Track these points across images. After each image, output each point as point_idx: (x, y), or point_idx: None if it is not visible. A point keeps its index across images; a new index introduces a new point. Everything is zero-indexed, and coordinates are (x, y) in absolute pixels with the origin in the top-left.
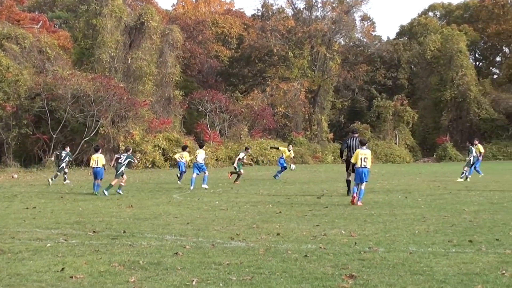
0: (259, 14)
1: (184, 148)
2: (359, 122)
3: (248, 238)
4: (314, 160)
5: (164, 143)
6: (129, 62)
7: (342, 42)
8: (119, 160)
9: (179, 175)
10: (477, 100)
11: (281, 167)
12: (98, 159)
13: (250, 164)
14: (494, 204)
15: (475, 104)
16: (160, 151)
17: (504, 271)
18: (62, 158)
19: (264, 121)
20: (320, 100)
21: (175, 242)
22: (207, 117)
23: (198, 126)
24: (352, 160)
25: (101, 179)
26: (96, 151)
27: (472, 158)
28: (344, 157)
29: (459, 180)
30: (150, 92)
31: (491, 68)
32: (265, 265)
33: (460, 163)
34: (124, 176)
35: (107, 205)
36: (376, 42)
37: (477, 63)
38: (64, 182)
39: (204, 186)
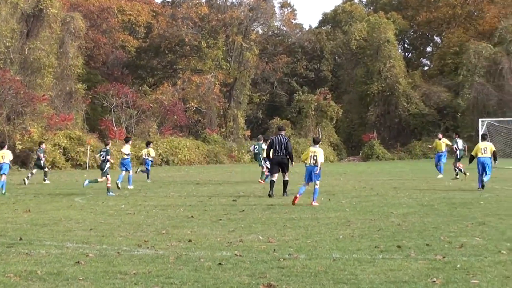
0: (170, 0)
1: (147, 144)
2: (278, 118)
3: (157, 245)
4: (229, 159)
5: (65, 141)
6: (26, 53)
7: (260, 31)
8: (101, 158)
9: (147, 173)
10: (406, 93)
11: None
12: (4, 155)
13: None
14: (424, 206)
15: (404, 98)
16: (60, 150)
17: (434, 279)
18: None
19: (175, 117)
20: (236, 94)
21: (76, 250)
22: (112, 113)
23: (102, 123)
24: (302, 158)
25: (5, 175)
26: (2, 147)
27: (458, 152)
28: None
29: (459, 178)
30: (50, 85)
31: (421, 59)
32: (176, 274)
33: (388, 162)
34: (109, 176)
35: (1, 209)
36: (297, 31)
37: (406, 53)
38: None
39: (130, 186)
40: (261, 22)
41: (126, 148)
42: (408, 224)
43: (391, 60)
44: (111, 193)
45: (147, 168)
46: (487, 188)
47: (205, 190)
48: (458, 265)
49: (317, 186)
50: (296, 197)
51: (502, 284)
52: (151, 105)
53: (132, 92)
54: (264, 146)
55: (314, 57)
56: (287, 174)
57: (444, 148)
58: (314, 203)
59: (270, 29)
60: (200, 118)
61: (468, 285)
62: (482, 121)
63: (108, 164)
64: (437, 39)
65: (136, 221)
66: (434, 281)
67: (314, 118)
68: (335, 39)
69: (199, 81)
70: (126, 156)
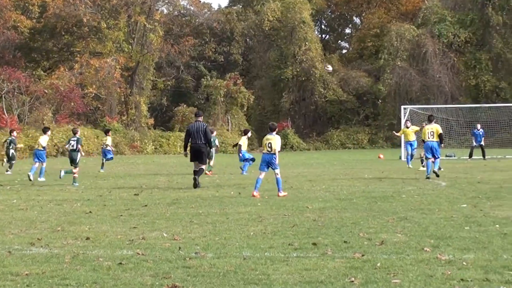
0: None
1: (106, 132)
2: (185, 105)
3: (52, 244)
4: (131, 150)
5: None
6: None
7: (165, 11)
8: (70, 147)
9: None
10: (323, 79)
11: (247, 159)
12: None
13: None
14: (342, 200)
15: (320, 84)
16: None
17: (353, 279)
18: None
19: (72, 104)
20: (139, 79)
21: None
22: (3, 99)
23: None
24: (263, 148)
25: None
26: None
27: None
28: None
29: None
30: None
31: (339, 41)
32: (72, 275)
33: (303, 152)
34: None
35: None
36: (206, 10)
37: (323, 35)
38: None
39: (41, 179)
40: (166, 1)
41: (44, 139)
42: (325, 219)
43: (307, 43)
44: (76, 184)
45: (108, 158)
46: (409, 180)
47: (105, 183)
48: (378, 264)
49: (278, 176)
50: (254, 193)
51: (425, 284)
52: (46, 91)
53: (25, 76)
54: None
55: (224, 39)
56: (203, 164)
57: (413, 137)
58: (281, 194)
59: (176, 8)
60: (99, 105)
61: (389, 285)
62: (405, 108)
63: (79, 154)
64: (357, 20)
65: (28, 217)
66: (352, 281)
67: (223, 105)
68: (247, 20)
69: (98, 65)
70: (42, 148)
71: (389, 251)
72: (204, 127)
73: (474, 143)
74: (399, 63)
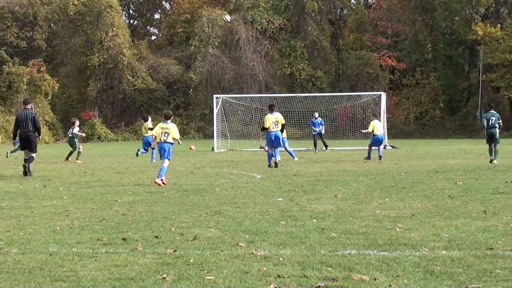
0: None
1: None
2: None
3: None
4: None
5: None
6: None
7: None
8: None
9: None
10: (132, 66)
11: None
12: None
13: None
14: (152, 193)
15: (129, 72)
16: None
17: (165, 275)
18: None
19: None
20: None
21: None
22: None
23: None
24: (157, 138)
25: None
26: None
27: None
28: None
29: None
30: None
31: (148, 27)
32: None
33: (112, 143)
34: None
35: None
36: None
37: (132, 21)
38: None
39: None
40: None
41: None
42: (135, 213)
43: (114, 28)
44: None
45: None
46: (223, 173)
47: None
48: (191, 260)
49: (164, 165)
50: (161, 180)
51: (240, 280)
52: None
53: None
54: (77, 129)
55: (26, 23)
56: (33, 152)
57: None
58: (157, 180)
59: None
60: None
61: (203, 282)
62: (217, 98)
63: None
64: (166, 5)
65: None
66: (165, 278)
67: (26, 94)
68: (51, 4)
69: None
70: None
71: (203, 247)
72: (33, 114)
73: (314, 132)
74: (210, 50)
